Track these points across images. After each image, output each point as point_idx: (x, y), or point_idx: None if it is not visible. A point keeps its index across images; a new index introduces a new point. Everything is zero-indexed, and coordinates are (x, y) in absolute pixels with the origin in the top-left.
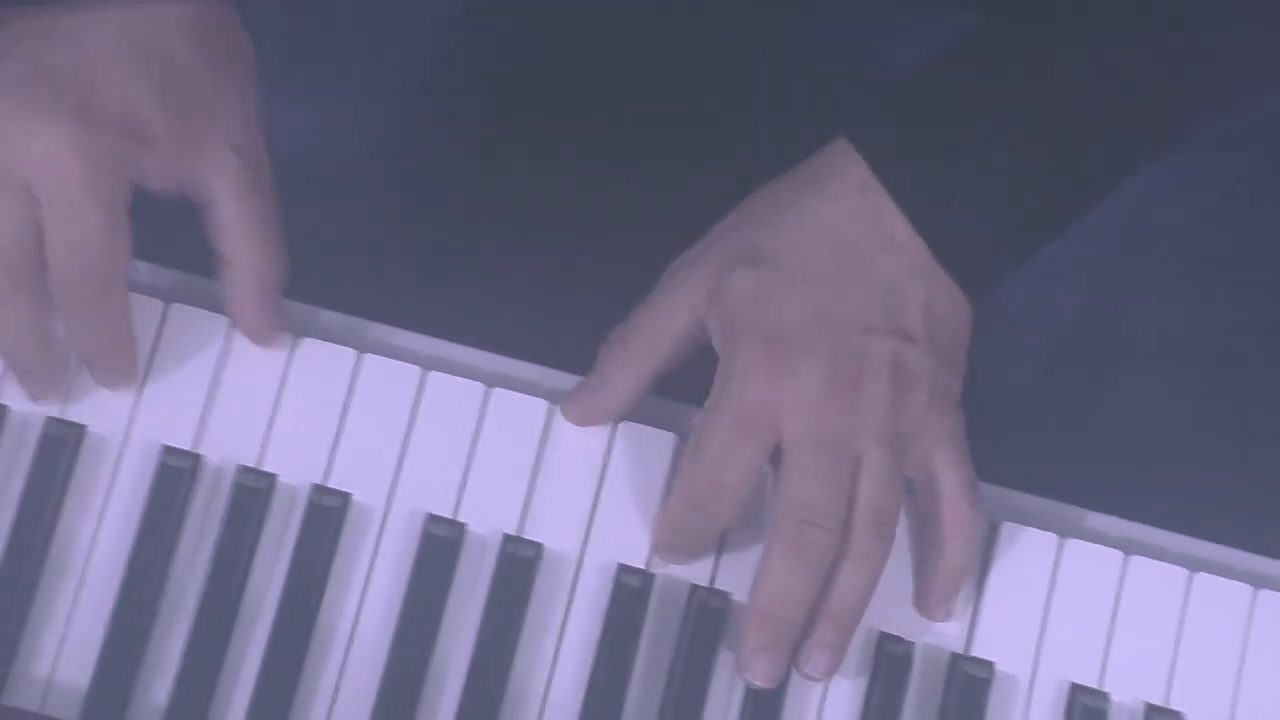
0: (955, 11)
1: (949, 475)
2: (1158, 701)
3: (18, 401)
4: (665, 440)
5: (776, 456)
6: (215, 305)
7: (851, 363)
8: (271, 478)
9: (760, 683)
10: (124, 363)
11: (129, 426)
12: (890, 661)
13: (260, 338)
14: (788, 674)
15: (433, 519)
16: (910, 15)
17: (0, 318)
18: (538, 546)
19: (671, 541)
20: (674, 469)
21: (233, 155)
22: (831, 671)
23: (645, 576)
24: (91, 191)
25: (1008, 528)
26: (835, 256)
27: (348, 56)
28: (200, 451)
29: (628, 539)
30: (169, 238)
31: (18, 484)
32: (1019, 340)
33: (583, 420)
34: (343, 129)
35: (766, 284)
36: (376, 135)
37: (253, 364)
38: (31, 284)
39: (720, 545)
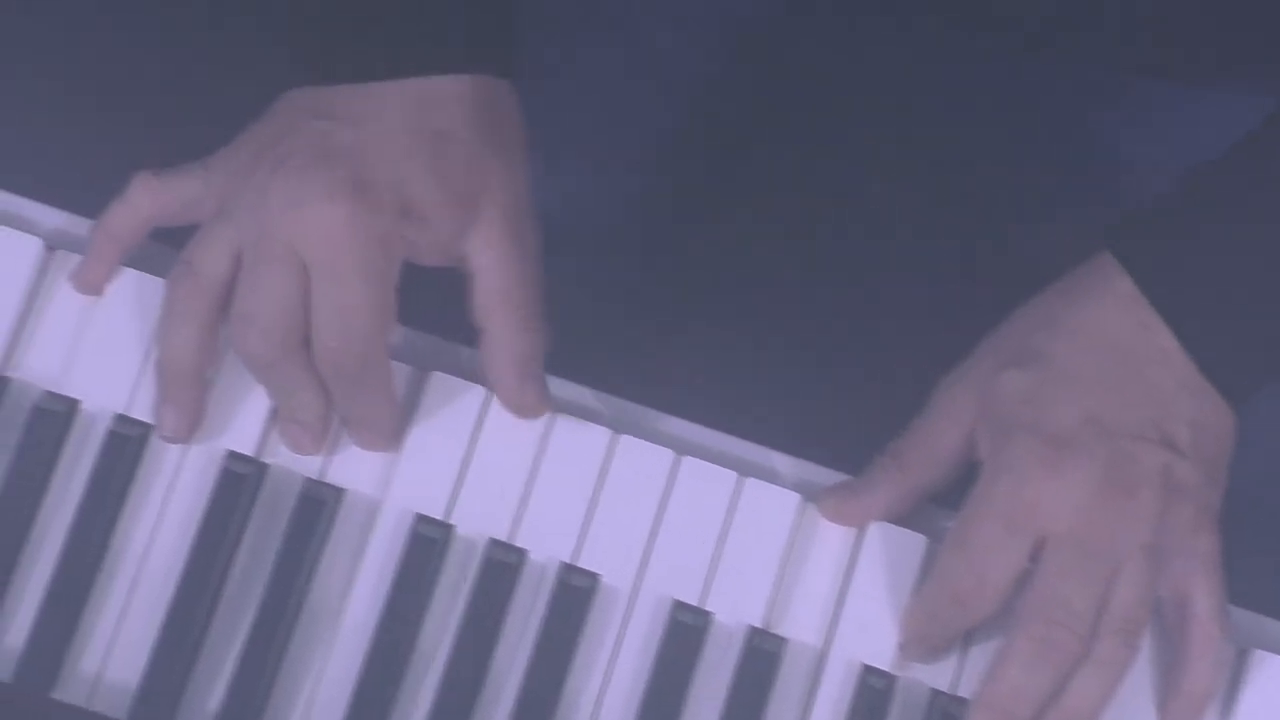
0: (1197, 92)
1: (1204, 598)
2: None
3: (277, 459)
4: (917, 542)
5: (1034, 554)
6: (474, 374)
7: (1124, 469)
8: (522, 553)
9: None
10: (384, 430)
11: (385, 493)
12: None
13: (521, 410)
14: None
15: (679, 605)
16: (1166, 114)
17: (272, 377)
18: (782, 641)
19: (924, 636)
20: (923, 572)
21: (499, 230)
22: None
23: (889, 679)
24: (362, 271)
25: (1257, 655)
26: (1105, 362)
27: (607, 119)
28: (452, 521)
29: (873, 639)
30: (427, 304)
31: (274, 542)
32: (1268, 455)
33: (839, 519)
34: (594, 195)
35: (1037, 383)
36: (631, 204)
37: (508, 436)
38: (300, 348)
39: (964, 649)
